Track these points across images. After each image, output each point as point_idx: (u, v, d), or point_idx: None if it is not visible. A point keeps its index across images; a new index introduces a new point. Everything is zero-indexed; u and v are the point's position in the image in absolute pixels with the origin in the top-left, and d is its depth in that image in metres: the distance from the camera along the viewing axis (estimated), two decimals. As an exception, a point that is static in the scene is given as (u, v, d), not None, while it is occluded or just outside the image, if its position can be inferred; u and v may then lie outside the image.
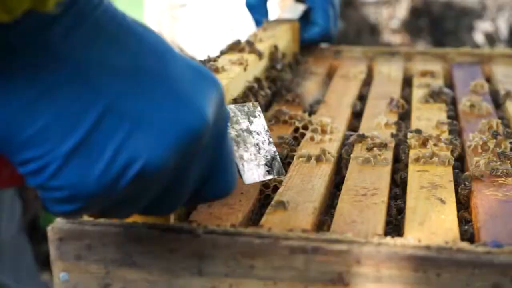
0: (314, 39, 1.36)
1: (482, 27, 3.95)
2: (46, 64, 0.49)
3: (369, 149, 0.86)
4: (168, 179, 0.55)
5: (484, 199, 0.73)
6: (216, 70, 0.90)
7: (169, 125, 0.52)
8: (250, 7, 1.37)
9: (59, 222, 0.65)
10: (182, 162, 0.54)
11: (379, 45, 3.58)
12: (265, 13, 1.36)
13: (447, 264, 0.58)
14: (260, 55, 1.05)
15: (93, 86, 0.50)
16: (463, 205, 0.76)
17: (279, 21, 1.34)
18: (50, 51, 0.49)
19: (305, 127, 0.94)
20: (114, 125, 0.51)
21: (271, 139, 0.74)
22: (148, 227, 0.63)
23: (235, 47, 1.05)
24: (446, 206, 0.71)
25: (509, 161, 0.81)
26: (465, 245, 0.60)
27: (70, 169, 0.50)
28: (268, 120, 0.96)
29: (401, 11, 3.84)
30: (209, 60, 0.94)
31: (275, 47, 1.16)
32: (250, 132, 0.73)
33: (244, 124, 0.73)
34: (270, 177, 0.73)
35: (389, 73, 1.25)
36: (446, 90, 1.07)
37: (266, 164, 0.73)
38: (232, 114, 0.72)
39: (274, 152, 0.74)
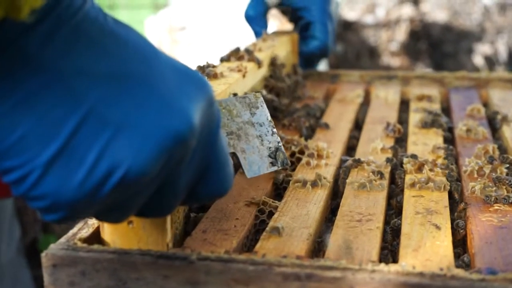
0: (313, 52, 1.36)
1: (482, 50, 3.97)
2: (23, 71, 0.48)
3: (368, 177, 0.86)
4: (157, 183, 0.54)
5: (480, 225, 0.73)
6: (215, 75, 0.90)
7: (152, 130, 0.51)
8: (249, 19, 1.37)
9: (53, 248, 0.65)
10: (170, 166, 0.53)
11: (378, 67, 3.59)
12: (264, 24, 1.36)
13: (441, 291, 0.58)
14: (259, 63, 1.06)
15: (73, 93, 0.49)
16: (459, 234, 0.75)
17: (278, 33, 1.35)
18: (28, 59, 0.48)
19: (301, 152, 0.94)
20: (95, 131, 0.50)
21: (274, 130, 0.72)
22: (142, 253, 0.63)
23: (234, 54, 1.06)
24: (441, 232, 0.71)
25: (504, 186, 0.81)
26: (459, 271, 0.60)
27: (51, 178, 0.49)
28: (264, 145, 0.96)
29: (400, 34, 3.86)
30: (208, 66, 0.94)
31: (275, 57, 1.17)
32: (252, 124, 0.71)
33: (246, 116, 0.71)
34: (274, 168, 0.71)
35: (386, 97, 1.25)
36: (441, 119, 1.07)
37: (269, 156, 0.71)
38: (232, 107, 0.70)
39: (278, 143, 0.72)
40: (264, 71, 1.13)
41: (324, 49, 1.36)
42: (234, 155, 0.70)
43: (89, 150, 0.50)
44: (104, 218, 0.57)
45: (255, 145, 0.71)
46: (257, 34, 1.35)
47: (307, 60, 1.39)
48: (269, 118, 0.73)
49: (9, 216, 1.82)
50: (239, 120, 0.71)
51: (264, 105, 0.73)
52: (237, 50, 1.07)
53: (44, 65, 0.49)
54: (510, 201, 0.77)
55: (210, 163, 0.58)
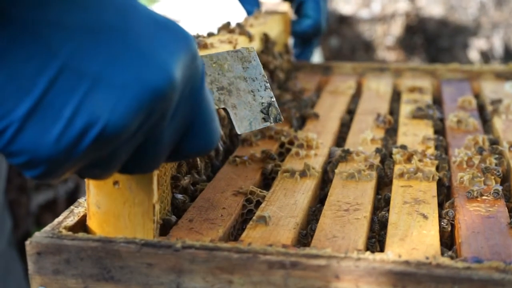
0: (306, 31, 1.34)
1: (477, 44, 3.97)
2: None
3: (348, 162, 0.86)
4: (139, 139, 0.53)
5: (467, 214, 0.73)
6: (205, 46, 0.88)
7: (130, 84, 0.50)
8: None
9: (37, 236, 0.64)
10: (151, 121, 0.52)
11: (374, 62, 3.59)
12: (256, 3, 1.34)
13: (426, 279, 0.58)
14: (250, 36, 1.04)
15: (46, 46, 0.48)
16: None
17: (270, 12, 1.33)
18: None
19: (291, 142, 0.94)
20: (71, 85, 0.49)
21: (268, 85, 0.71)
22: (126, 241, 0.62)
23: (225, 28, 1.04)
24: (429, 221, 0.71)
25: (493, 177, 0.80)
26: (445, 260, 0.60)
27: (27, 133, 0.49)
28: (254, 136, 0.96)
29: (396, 28, 3.85)
30: (198, 36, 0.92)
31: (266, 33, 1.16)
32: (244, 79, 0.70)
33: (238, 70, 0.70)
34: (266, 124, 0.69)
35: (378, 88, 1.25)
36: (430, 110, 1.07)
37: (262, 111, 0.70)
38: (223, 61, 0.69)
39: (271, 98, 0.70)
40: (255, 46, 1.11)
41: (317, 28, 1.33)
42: (224, 110, 0.69)
43: (65, 104, 0.49)
44: (87, 175, 0.56)
45: (246, 100, 0.69)
46: (249, 13, 1.33)
47: (301, 40, 1.37)
48: (262, 72, 0.71)
49: (0, 209, 1.81)
50: (231, 75, 0.69)
51: (257, 59, 0.71)
52: (227, 24, 1.05)
53: (17, 18, 0.48)
54: (490, 195, 0.75)
55: (195, 118, 0.57)
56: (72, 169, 0.53)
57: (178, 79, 0.52)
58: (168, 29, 0.53)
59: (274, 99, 0.71)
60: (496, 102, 1.10)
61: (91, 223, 0.66)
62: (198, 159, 0.82)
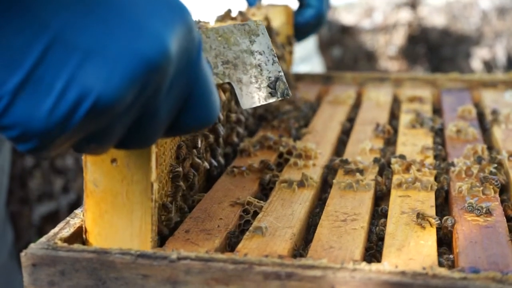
0: (308, 21, 1.31)
1: (480, 54, 3.96)
2: None
3: (347, 173, 0.85)
4: (134, 112, 0.53)
5: (465, 224, 0.72)
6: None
7: (123, 56, 0.49)
8: None
9: (33, 248, 0.64)
10: (146, 94, 0.52)
11: (376, 72, 3.59)
12: None
13: (422, 290, 0.57)
14: None
15: (36, 18, 0.48)
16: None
17: (273, 4, 1.32)
18: None
19: (290, 153, 0.94)
20: (62, 57, 0.48)
21: (276, 59, 0.69)
22: (121, 253, 0.62)
23: (227, 16, 1.03)
24: (426, 232, 0.70)
25: (491, 186, 0.80)
26: (441, 270, 0.59)
27: (19, 106, 0.49)
28: (253, 146, 0.95)
29: (398, 38, 3.85)
30: (199, 21, 0.90)
31: (269, 20, 1.14)
32: (251, 53, 0.68)
33: (244, 44, 0.68)
34: (273, 99, 0.68)
35: (378, 98, 1.25)
36: (428, 120, 1.07)
37: (269, 86, 0.68)
38: (229, 35, 0.67)
39: (279, 72, 0.69)
40: None
41: (319, 18, 1.31)
42: (229, 85, 0.67)
43: (57, 77, 0.49)
44: (83, 150, 0.55)
45: (253, 74, 0.67)
46: (251, 4, 1.32)
47: (302, 31, 1.34)
48: (270, 46, 0.69)
49: (1, 221, 1.81)
50: (237, 48, 0.67)
51: (266, 33, 0.69)
52: (229, 11, 1.04)
53: None
54: (483, 211, 0.74)
55: (192, 91, 0.56)
56: (67, 143, 0.52)
57: (173, 51, 0.52)
58: (163, 0, 0.53)
59: (282, 73, 0.69)
60: (495, 112, 1.09)
61: (88, 202, 0.65)
62: (198, 139, 0.81)
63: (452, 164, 0.89)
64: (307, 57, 3.40)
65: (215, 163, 0.87)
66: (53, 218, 2.57)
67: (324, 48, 3.62)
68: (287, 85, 0.69)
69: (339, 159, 0.90)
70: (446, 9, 3.95)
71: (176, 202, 0.74)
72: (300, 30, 1.32)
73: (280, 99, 0.69)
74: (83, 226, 0.67)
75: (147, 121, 0.54)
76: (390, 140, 1.03)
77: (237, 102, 0.70)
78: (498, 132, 1.03)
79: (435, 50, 3.89)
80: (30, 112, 0.49)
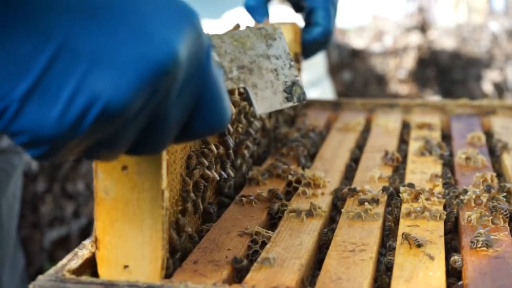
0: (316, 39, 1.29)
1: (491, 76, 3.96)
2: None
3: (361, 204, 0.85)
4: (144, 118, 0.53)
5: (474, 255, 0.72)
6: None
7: (131, 62, 0.49)
8: (250, 8, 1.32)
9: (41, 280, 0.64)
10: (156, 100, 0.52)
11: (386, 95, 3.59)
12: (265, 13, 1.32)
13: (430, 323, 0.57)
14: None
15: (43, 27, 0.49)
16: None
17: (280, 23, 1.32)
18: None
19: (298, 181, 0.94)
20: (70, 65, 0.49)
21: (292, 63, 0.68)
22: (129, 285, 0.62)
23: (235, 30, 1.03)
24: (435, 263, 0.70)
25: (500, 216, 0.80)
26: (450, 303, 0.59)
27: (28, 113, 0.49)
28: (261, 174, 0.96)
29: (408, 61, 3.86)
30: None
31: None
32: (267, 57, 0.67)
33: (261, 48, 0.67)
34: (289, 104, 0.66)
35: (387, 125, 1.25)
36: (437, 148, 1.07)
37: (285, 91, 0.67)
38: (245, 39, 0.66)
39: (296, 76, 0.68)
40: None
41: (326, 36, 1.30)
42: (244, 90, 0.66)
43: (65, 84, 0.49)
44: (93, 156, 0.56)
45: (269, 79, 0.66)
46: (258, 22, 1.31)
47: (309, 49, 1.34)
48: (287, 50, 0.68)
49: (12, 246, 1.82)
50: (253, 52, 0.66)
51: (283, 37, 0.68)
52: (237, 26, 1.05)
53: (8, 1, 0.48)
54: (490, 244, 0.73)
55: (202, 96, 0.56)
56: (77, 149, 0.52)
57: (182, 56, 0.51)
58: (171, 5, 0.53)
59: (299, 78, 0.68)
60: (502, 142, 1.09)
61: (99, 210, 0.65)
62: (208, 150, 0.81)
63: (462, 193, 0.88)
64: (317, 81, 3.41)
65: (224, 175, 0.87)
66: (64, 243, 2.57)
67: (334, 72, 3.63)
68: (303, 90, 0.68)
69: (348, 187, 0.90)
70: (456, 32, 3.96)
71: (186, 214, 0.74)
72: (308, 48, 1.31)
73: (296, 103, 0.68)
74: (94, 235, 0.66)
75: (157, 126, 0.54)
76: (399, 168, 1.03)
77: (252, 107, 0.69)
78: (507, 160, 1.03)
79: (446, 73, 3.89)
80: (39, 118, 0.49)
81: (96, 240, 0.66)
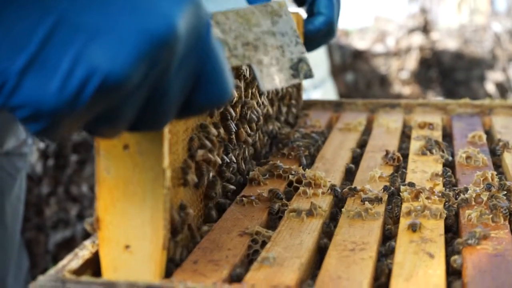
0: (319, 28, 1.26)
1: (493, 77, 3.96)
2: None
3: (363, 202, 0.85)
4: (144, 92, 0.53)
5: (474, 253, 0.72)
6: None
7: (129, 34, 0.49)
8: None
9: (41, 280, 0.64)
10: (155, 72, 0.52)
11: (389, 96, 3.59)
12: None
13: (429, 321, 0.57)
14: None
15: (39, 3, 0.49)
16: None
17: None
18: None
19: (299, 181, 0.94)
20: (68, 38, 0.49)
21: (299, 40, 0.67)
22: (129, 284, 0.63)
23: None
24: (435, 261, 0.70)
25: (500, 214, 0.80)
26: (449, 301, 0.59)
27: (27, 86, 0.49)
28: (262, 175, 0.96)
29: (411, 62, 3.86)
30: None
31: None
32: (272, 34, 0.66)
33: (266, 25, 0.66)
34: (295, 81, 0.66)
35: (388, 125, 1.25)
36: (438, 147, 1.07)
37: (291, 68, 0.66)
38: (250, 16, 0.65)
39: (302, 53, 0.67)
40: None
41: (329, 25, 1.27)
42: (249, 67, 0.67)
43: (63, 57, 0.49)
44: (95, 132, 0.56)
45: (274, 56, 0.65)
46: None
47: (312, 40, 1.32)
48: (294, 27, 0.67)
49: (17, 248, 1.82)
50: (258, 29, 0.65)
51: (289, 14, 0.67)
52: None
53: None
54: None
55: (203, 69, 0.56)
56: (78, 123, 0.53)
57: (181, 28, 0.52)
58: None
59: (305, 54, 0.67)
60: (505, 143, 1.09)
61: (100, 189, 0.65)
62: (210, 132, 0.80)
63: (462, 191, 0.89)
64: (319, 83, 3.41)
65: (227, 159, 0.87)
66: (69, 245, 2.58)
67: (337, 73, 3.64)
68: (310, 66, 0.67)
69: (348, 187, 0.90)
70: (459, 33, 3.96)
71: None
72: (311, 39, 1.29)
73: (302, 80, 0.67)
74: (96, 215, 0.66)
75: (158, 100, 0.54)
76: (400, 167, 1.03)
77: (257, 84, 0.68)
78: (508, 158, 1.03)
79: (448, 74, 3.89)
80: (38, 91, 0.50)
81: (97, 220, 0.65)
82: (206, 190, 0.83)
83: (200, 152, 0.77)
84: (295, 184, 0.94)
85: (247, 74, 0.92)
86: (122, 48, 0.50)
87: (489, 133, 1.21)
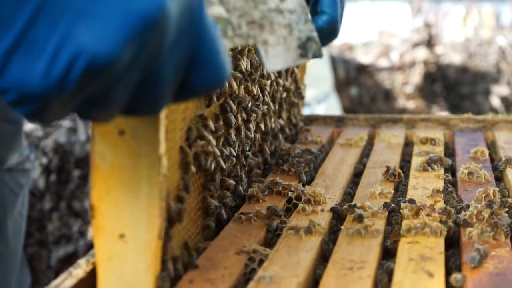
0: (322, 28, 1.26)
1: (498, 91, 3.94)
2: None
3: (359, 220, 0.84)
4: (135, 73, 0.52)
5: (475, 271, 0.71)
6: None
7: (116, 13, 0.49)
8: None
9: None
10: (146, 53, 0.51)
11: (393, 111, 3.58)
12: None
13: None
14: None
15: None
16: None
17: None
18: None
19: (298, 198, 0.93)
20: (54, 18, 0.49)
21: (308, 17, 0.64)
22: (122, 305, 0.62)
23: None
24: (434, 280, 0.69)
25: (502, 232, 0.79)
26: (448, 322, 0.58)
27: (13, 69, 0.49)
28: (262, 191, 0.95)
29: (415, 76, 3.85)
30: None
31: None
32: (280, 12, 0.63)
33: (273, 2, 0.62)
34: (303, 60, 0.63)
35: (390, 140, 1.24)
36: (440, 163, 1.06)
37: (299, 47, 0.63)
38: None
39: (312, 31, 0.64)
40: None
41: (333, 24, 1.26)
42: (254, 47, 0.63)
43: (49, 38, 0.49)
44: (87, 116, 0.54)
45: (281, 35, 0.62)
46: None
47: None
48: (303, 4, 0.64)
49: (19, 264, 1.81)
50: (264, 7, 0.62)
51: None
52: None
53: None
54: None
55: (198, 50, 0.55)
56: (68, 106, 0.52)
57: (171, 7, 0.51)
58: None
59: (315, 33, 0.64)
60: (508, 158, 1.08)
61: (95, 177, 0.63)
62: (209, 123, 0.80)
63: (463, 208, 0.87)
64: (324, 97, 3.41)
65: (226, 152, 0.86)
66: (71, 261, 2.57)
67: (341, 87, 3.63)
68: (320, 45, 0.64)
69: (348, 204, 0.89)
70: (463, 47, 3.95)
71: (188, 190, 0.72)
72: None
73: (310, 59, 0.64)
74: (90, 203, 0.64)
75: (151, 82, 0.54)
76: (401, 183, 1.02)
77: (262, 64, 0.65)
78: (511, 174, 1.02)
79: (453, 88, 3.88)
80: (25, 74, 0.49)
81: (92, 208, 0.64)
82: (205, 182, 0.82)
83: (200, 143, 0.75)
84: (294, 201, 0.93)
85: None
86: (109, 28, 0.49)
87: (491, 148, 1.20)
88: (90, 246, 2.58)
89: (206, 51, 0.55)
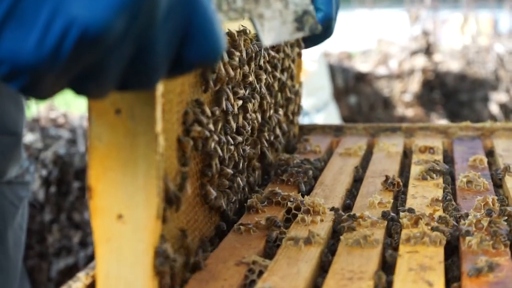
0: None
1: (497, 98, 3.95)
2: None
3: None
4: (128, 45, 0.52)
5: (474, 280, 0.71)
6: None
7: None
8: None
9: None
10: (138, 25, 0.51)
11: (392, 119, 3.58)
12: None
13: None
14: None
15: None
16: None
17: None
18: None
19: (298, 208, 0.93)
20: None
21: None
22: (122, 318, 0.61)
23: None
24: (434, 290, 0.69)
25: (501, 240, 0.79)
26: (448, 332, 0.58)
27: (5, 42, 0.48)
28: (261, 202, 0.95)
29: (414, 84, 3.86)
30: None
31: None
32: None
33: None
34: (299, 34, 0.62)
35: (389, 149, 1.24)
36: (438, 171, 1.06)
37: (295, 21, 0.63)
38: None
39: (308, 5, 0.63)
40: None
41: (327, 21, 1.25)
42: (250, 21, 0.63)
43: (40, 10, 0.48)
44: (81, 91, 0.54)
45: (277, 8, 0.62)
46: None
47: (310, 37, 1.28)
48: None
49: (19, 277, 1.81)
50: None
51: None
52: None
53: None
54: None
55: (191, 23, 0.55)
56: (62, 80, 0.51)
57: None
58: None
59: (311, 6, 0.64)
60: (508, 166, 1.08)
61: (92, 157, 0.63)
62: (205, 108, 0.80)
63: (463, 217, 0.87)
64: (322, 106, 3.41)
65: (224, 139, 0.86)
66: (71, 273, 2.56)
67: (339, 96, 3.64)
68: (316, 19, 0.64)
69: (347, 214, 0.89)
70: (461, 54, 3.96)
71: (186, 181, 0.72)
72: (309, 36, 1.26)
73: (307, 33, 0.64)
74: (88, 183, 0.64)
75: (144, 55, 0.53)
76: (400, 192, 1.02)
77: (258, 39, 0.65)
78: (510, 182, 1.02)
79: (452, 95, 3.88)
80: (17, 46, 0.49)
81: (89, 189, 0.63)
82: (203, 168, 0.82)
83: (197, 129, 0.75)
84: (293, 211, 0.93)
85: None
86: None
87: (490, 156, 1.20)
88: (90, 258, 2.58)
89: (200, 24, 0.55)
